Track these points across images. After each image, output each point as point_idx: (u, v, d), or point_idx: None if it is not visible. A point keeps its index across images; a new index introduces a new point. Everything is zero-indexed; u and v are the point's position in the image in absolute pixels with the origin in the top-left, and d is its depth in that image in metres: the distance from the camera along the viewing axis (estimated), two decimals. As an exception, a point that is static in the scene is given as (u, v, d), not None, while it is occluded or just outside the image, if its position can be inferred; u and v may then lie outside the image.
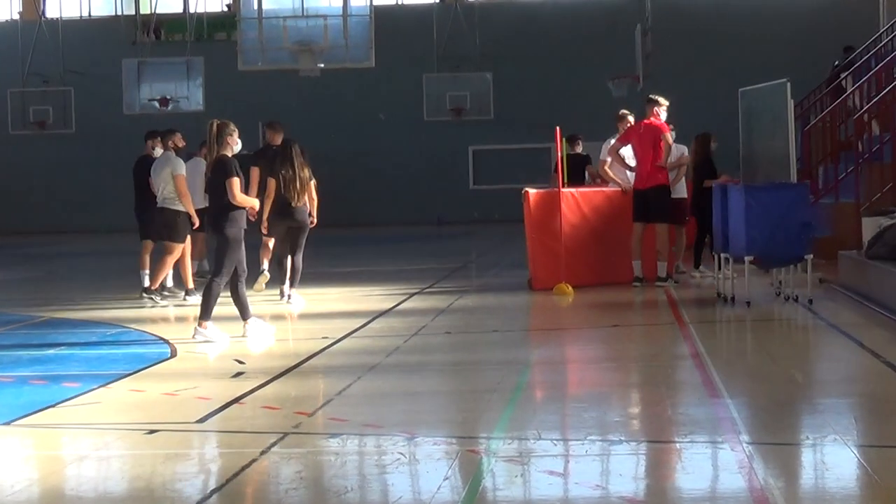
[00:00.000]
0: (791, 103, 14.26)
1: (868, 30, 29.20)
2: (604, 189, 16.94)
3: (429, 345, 11.98)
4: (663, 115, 16.22)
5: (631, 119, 16.95)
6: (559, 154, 16.42)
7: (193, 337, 11.98)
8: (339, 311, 15.12)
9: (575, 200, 16.35)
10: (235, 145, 12.25)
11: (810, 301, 13.57)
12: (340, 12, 27.59)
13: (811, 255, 13.81)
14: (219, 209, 12.12)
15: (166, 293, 16.36)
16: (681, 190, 16.64)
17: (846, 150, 20.48)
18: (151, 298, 15.81)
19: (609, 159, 16.86)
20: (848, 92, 22.55)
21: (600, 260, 16.26)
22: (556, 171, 19.16)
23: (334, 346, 11.68)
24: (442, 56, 38.32)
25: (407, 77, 37.79)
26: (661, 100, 16.25)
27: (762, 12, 37.53)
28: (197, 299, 14.57)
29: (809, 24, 36.57)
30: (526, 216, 16.38)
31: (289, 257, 15.28)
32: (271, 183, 15.11)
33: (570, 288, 15.45)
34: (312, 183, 15.23)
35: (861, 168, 19.06)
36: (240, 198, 12.03)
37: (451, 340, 12.26)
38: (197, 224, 15.58)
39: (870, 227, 14.93)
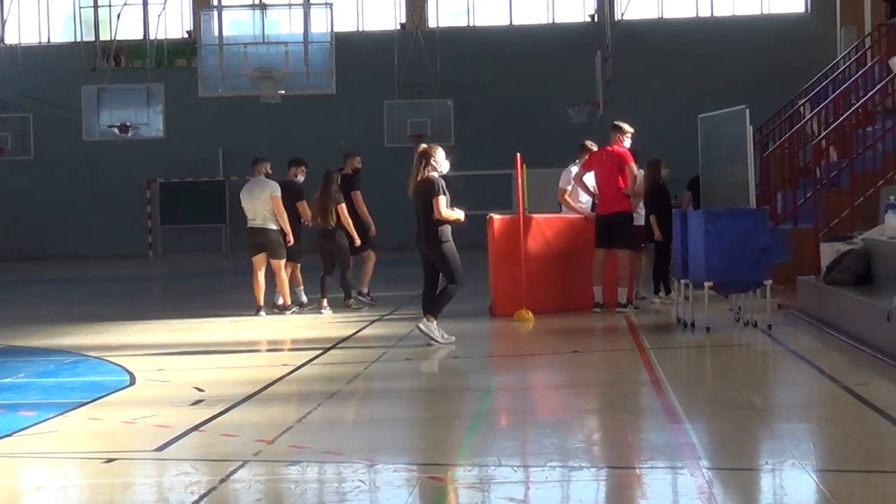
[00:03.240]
0: (750, 130, 14.33)
1: (826, 57, 29.47)
2: (567, 216, 16.95)
3: (389, 371, 11.95)
4: (627, 143, 16.26)
5: (594, 149, 16.92)
6: (519, 180, 16.34)
7: (413, 328, 13.28)
8: (299, 337, 15.10)
9: (539, 226, 16.36)
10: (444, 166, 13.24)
11: (769, 326, 13.63)
12: (301, 39, 27.49)
13: (770, 281, 13.89)
14: (427, 226, 12.94)
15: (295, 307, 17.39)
16: (639, 217, 16.70)
17: (804, 177, 20.60)
18: (296, 311, 17.00)
19: (569, 188, 16.87)
20: (806, 119, 22.71)
21: (561, 286, 16.27)
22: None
23: (294, 374, 11.64)
24: (403, 83, 38.33)
25: (368, 103, 37.75)
26: (626, 127, 16.27)
27: (721, 40, 37.76)
28: (291, 315, 16.67)
29: (768, 52, 36.83)
30: (490, 242, 16.36)
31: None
32: (305, 209, 17.20)
33: (531, 314, 15.43)
34: (342, 206, 16.89)
35: (819, 194, 19.17)
36: (445, 213, 12.90)
37: (411, 367, 12.24)
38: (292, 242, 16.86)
39: (828, 252, 14.99)
